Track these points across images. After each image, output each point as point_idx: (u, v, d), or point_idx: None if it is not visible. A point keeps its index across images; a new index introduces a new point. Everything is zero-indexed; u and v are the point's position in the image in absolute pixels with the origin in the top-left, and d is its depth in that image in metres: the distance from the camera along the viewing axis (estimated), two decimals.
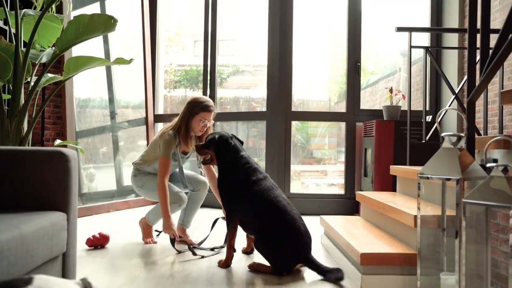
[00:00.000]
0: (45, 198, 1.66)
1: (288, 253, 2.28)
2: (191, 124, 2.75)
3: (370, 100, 5.53)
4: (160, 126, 5.11)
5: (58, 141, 2.49)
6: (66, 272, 1.67)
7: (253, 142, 5.01)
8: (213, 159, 2.53)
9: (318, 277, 2.25)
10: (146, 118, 4.80)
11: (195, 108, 2.74)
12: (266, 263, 2.34)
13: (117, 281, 2.11)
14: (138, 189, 2.90)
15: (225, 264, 2.41)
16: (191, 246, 2.67)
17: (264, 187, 2.39)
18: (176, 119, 2.84)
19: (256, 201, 2.37)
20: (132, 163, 2.95)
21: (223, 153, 2.47)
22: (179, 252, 2.65)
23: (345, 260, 2.37)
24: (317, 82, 5.35)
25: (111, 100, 4.48)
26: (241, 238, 2.63)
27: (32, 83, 2.32)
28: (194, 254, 2.60)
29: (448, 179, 1.84)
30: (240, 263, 2.47)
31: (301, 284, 2.16)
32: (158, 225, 2.96)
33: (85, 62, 2.26)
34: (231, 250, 2.44)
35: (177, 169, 2.92)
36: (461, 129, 3.72)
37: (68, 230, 1.65)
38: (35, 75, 2.43)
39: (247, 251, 2.68)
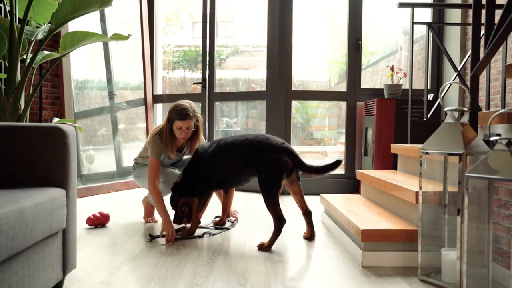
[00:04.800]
0: (43, 174, 1.64)
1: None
2: (173, 130, 2.70)
3: (371, 80, 5.47)
4: (159, 107, 5.07)
5: (56, 119, 2.46)
6: (66, 248, 1.67)
7: (252, 123, 4.97)
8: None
9: (319, 253, 2.26)
10: (145, 98, 4.75)
11: (172, 115, 2.67)
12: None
13: (117, 259, 2.11)
14: (136, 179, 2.98)
15: (188, 232, 2.57)
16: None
17: (218, 142, 2.57)
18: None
19: (213, 154, 2.55)
20: (133, 159, 3.03)
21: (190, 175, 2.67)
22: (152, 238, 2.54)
23: (345, 237, 2.37)
24: (317, 63, 5.28)
25: (109, 80, 4.42)
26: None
27: (28, 60, 2.28)
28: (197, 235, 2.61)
29: (451, 154, 1.83)
30: (239, 242, 2.46)
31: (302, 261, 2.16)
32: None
33: (82, 37, 2.22)
34: (196, 222, 2.61)
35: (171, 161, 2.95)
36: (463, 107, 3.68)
37: (67, 206, 1.64)
38: (31, 52, 2.39)
39: (308, 237, 2.55)
